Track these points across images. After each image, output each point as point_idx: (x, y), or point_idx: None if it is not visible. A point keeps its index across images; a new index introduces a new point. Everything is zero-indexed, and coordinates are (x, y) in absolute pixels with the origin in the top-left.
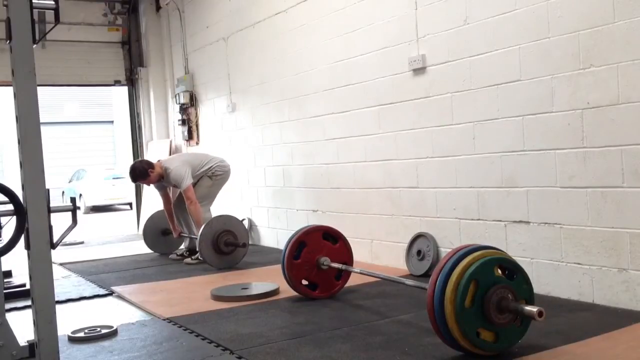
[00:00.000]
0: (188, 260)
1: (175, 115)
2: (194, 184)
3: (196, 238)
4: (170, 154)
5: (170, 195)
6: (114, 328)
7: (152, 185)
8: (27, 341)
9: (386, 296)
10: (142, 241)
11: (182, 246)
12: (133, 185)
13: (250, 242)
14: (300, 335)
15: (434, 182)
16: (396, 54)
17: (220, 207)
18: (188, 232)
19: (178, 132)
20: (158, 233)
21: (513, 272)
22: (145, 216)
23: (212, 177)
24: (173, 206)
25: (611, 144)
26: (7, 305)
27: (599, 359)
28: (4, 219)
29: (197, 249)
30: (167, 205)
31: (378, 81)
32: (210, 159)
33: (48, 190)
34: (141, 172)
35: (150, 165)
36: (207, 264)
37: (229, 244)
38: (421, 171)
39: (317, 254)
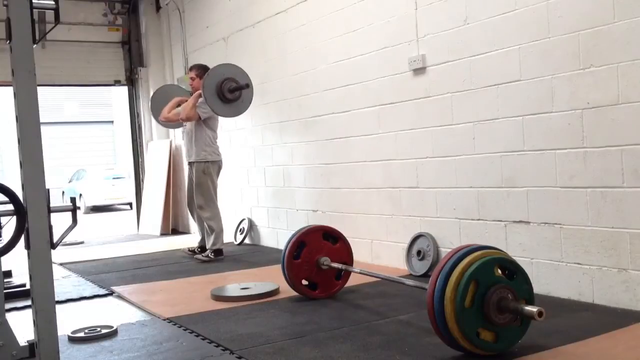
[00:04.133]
0: (199, 256)
1: None
2: (195, 184)
3: (209, 235)
4: (170, 154)
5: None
6: (114, 328)
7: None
8: (27, 341)
9: (386, 296)
10: (142, 241)
11: (196, 243)
12: (133, 185)
13: (250, 242)
14: (300, 335)
15: (434, 182)
16: (396, 54)
17: (220, 207)
18: (200, 230)
19: (178, 132)
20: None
21: (513, 272)
22: (145, 216)
23: (205, 170)
24: (187, 203)
25: (611, 144)
26: (7, 305)
27: (599, 359)
28: (4, 219)
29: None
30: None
31: (378, 81)
32: (215, 138)
33: (48, 190)
34: (202, 70)
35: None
36: (215, 263)
37: (233, 90)
38: (421, 171)
39: (317, 254)
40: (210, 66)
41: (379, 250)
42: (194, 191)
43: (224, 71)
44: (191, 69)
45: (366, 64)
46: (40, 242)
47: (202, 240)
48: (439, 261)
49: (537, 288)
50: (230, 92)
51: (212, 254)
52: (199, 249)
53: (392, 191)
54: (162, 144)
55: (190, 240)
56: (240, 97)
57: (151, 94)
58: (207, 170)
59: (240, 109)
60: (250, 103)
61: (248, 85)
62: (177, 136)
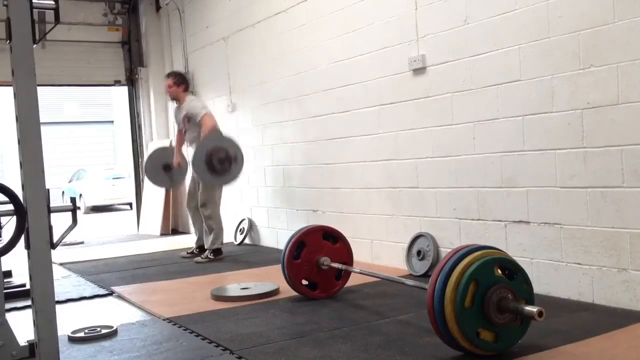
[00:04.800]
0: (198, 259)
1: None
2: (197, 185)
3: (208, 235)
4: None
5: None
6: (114, 328)
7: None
8: (27, 341)
9: (386, 296)
10: (142, 241)
11: (194, 244)
12: (133, 185)
13: (250, 242)
14: (300, 335)
15: (434, 182)
16: (396, 54)
17: (220, 207)
18: (198, 230)
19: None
20: (159, 168)
21: (513, 272)
22: (145, 216)
23: None
24: (187, 206)
25: (611, 144)
26: (7, 305)
27: (599, 359)
28: (4, 219)
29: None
30: (179, 135)
31: (378, 81)
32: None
33: (48, 190)
34: (179, 78)
35: (186, 83)
36: (215, 263)
37: (222, 161)
38: (421, 171)
39: (317, 254)
40: (211, 66)
41: (379, 250)
42: (199, 188)
43: (218, 141)
44: (168, 75)
45: (366, 64)
46: (40, 242)
47: (200, 240)
48: (439, 261)
49: (537, 288)
50: (219, 162)
51: (212, 253)
52: (197, 250)
53: (392, 191)
54: (162, 143)
55: (190, 240)
56: (229, 170)
57: (151, 94)
58: None
59: (227, 180)
60: (237, 177)
61: (236, 159)
62: None
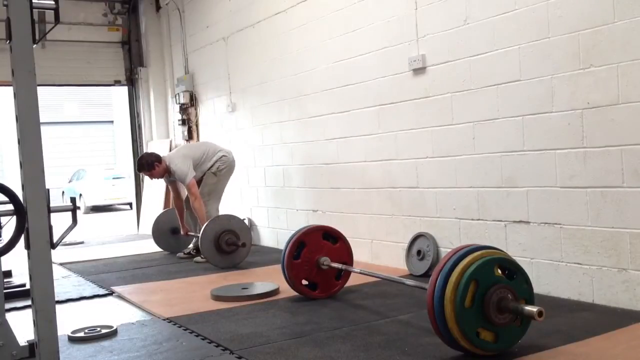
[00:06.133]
0: (197, 258)
1: (175, 115)
2: (199, 180)
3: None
4: None
5: (180, 191)
6: (114, 328)
7: (161, 180)
8: (27, 341)
9: (386, 296)
10: (142, 241)
11: (191, 245)
12: (133, 185)
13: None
14: (300, 335)
15: (434, 182)
16: (396, 54)
17: (220, 206)
18: (197, 231)
19: (178, 132)
20: (167, 232)
21: (513, 272)
22: (145, 216)
23: (217, 173)
24: (185, 204)
25: (611, 144)
26: (7, 305)
27: (599, 359)
28: (4, 219)
29: (199, 247)
30: (178, 201)
31: (378, 81)
32: (213, 152)
33: (48, 190)
34: (147, 164)
35: (158, 159)
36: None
37: (231, 244)
38: (421, 171)
39: (317, 254)
40: (211, 66)
41: (378, 250)
42: (202, 183)
43: (227, 223)
44: (139, 170)
45: (366, 64)
46: (40, 242)
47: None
48: (439, 261)
49: (537, 288)
50: (227, 244)
51: None
52: (194, 250)
53: (392, 191)
54: (162, 143)
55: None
56: (235, 252)
57: (151, 94)
58: (218, 172)
59: (232, 262)
60: (243, 260)
61: (244, 245)
62: (177, 136)
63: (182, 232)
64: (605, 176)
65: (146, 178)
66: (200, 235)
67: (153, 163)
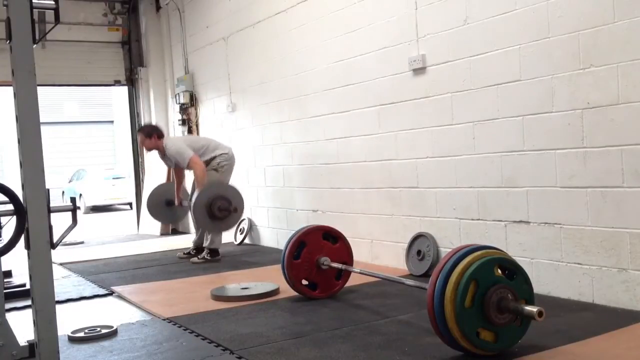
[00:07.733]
0: (194, 259)
1: (175, 115)
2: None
3: (205, 236)
4: None
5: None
6: (114, 328)
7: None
8: (27, 341)
9: (386, 296)
10: (142, 241)
11: (191, 245)
12: (133, 185)
13: (250, 242)
14: (300, 335)
15: (434, 182)
16: (396, 54)
17: None
18: (200, 234)
19: (178, 132)
20: (161, 204)
21: (513, 272)
22: (145, 216)
23: (218, 169)
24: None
25: (611, 144)
26: (7, 305)
27: (599, 359)
28: (4, 219)
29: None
30: (176, 175)
31: (378, 81)
32: (213, 147)
33: (48, 190)
34: (148, 130)
35: (160, 134)
36: (212, 263)
37: (223, 209)
38: (421, 171)
39: (317, 254)
40: (211, 66)
41: (378, 250)
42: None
43: (220, 189)
44: (138, 131)
45: (366, 64)
46: (40, 242)
47: (199, 239)
48: (439, 261)
49: (537, 288)
50: (219, 210)
51: (208, 254)
52: (193, 251)
53: (392, 191)
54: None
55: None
56: (227, 217)
57: (151, 94)
58: (219, 168)
59: (223, 228)
60: (234, 226)
61: (236, 210)
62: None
63: (176, 203)
64: (605, 176)
65: (146, 178)
66: (193, 200)
67: (152, 133)
